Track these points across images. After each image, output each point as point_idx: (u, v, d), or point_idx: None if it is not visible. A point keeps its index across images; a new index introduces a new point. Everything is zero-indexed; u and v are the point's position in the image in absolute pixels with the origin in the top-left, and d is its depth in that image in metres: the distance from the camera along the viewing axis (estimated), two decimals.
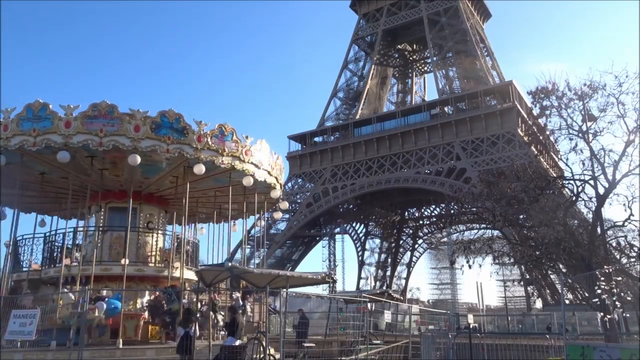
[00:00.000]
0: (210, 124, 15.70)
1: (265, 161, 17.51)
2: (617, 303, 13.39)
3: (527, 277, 44.10)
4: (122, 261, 15.87)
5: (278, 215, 23.32)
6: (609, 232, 17.50)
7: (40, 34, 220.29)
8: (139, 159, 14.51)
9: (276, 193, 18.94)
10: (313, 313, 26.50)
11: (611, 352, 9.55)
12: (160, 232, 19.18)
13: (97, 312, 14.33)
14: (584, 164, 17.28)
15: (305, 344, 16.59)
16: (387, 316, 28.87)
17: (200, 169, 15.25)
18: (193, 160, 15.25)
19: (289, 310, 18.95)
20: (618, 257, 17.09)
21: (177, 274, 16.97)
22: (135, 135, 14.44)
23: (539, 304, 66.54)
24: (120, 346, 13.89)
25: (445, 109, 78.18)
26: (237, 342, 13.44)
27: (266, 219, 22.31)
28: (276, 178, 18.57)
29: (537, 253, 18.09)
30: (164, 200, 19.45)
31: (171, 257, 17.41)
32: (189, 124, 15.20)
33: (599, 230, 16.89)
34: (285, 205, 21.54)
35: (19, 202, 16.72)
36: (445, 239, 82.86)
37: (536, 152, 29.78)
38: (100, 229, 18.19)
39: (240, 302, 16.08)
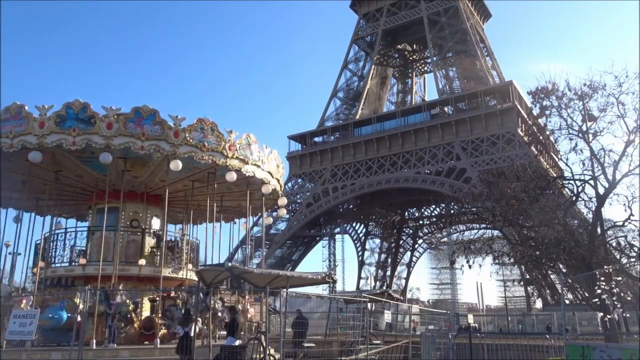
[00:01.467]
0: (123, 109, 14.67)
1: (213, 141, 15.55)
2: (617, 303, 13.36)
3: (527, 277, 44.01)
4: (81, 261, 15.77)
5: (278, 214, 22.43)
6: (609, 232, 17.45)
7: (40, 34, 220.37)
8: (39, 157, 14.05)
9: (232, 176, 16.33)
10: (313, 313, 26.50)
11: (611, 352, 9.50)
12: (146, 230, 18.19)
13: (24, 304, 14.14)
14: (584, 164, 17.25)
15: (305, 344, 16.57)
16: (387, 316, 28.84)
17: (106, 157, 14.24)
18: (102, 149, 14.26)
19: (289, 311, 18.93)
20: (618, 257, 17.05)
21: (144, 272, 16.65)
22: (40, 132, 13.92)
23: (539, 304, 66.56)
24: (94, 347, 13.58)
25: (445, 109, 78.20)
26: (237, 342, 13.44)
27: (263, 218, 21.96)
28: (220, 152, 15.82)
29: (537, 253, 18.03)
30: (149, 197, 18.60)
31: (111, 255, 16.12)
32: (97, 113, 14.31)
33: (599, 230, 16.85)
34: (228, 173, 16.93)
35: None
36: (445, 239, 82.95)
37: (536, 152, 29.71)
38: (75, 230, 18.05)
39: (201, 296, 15.13)
